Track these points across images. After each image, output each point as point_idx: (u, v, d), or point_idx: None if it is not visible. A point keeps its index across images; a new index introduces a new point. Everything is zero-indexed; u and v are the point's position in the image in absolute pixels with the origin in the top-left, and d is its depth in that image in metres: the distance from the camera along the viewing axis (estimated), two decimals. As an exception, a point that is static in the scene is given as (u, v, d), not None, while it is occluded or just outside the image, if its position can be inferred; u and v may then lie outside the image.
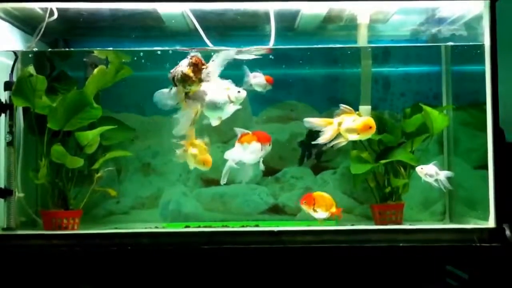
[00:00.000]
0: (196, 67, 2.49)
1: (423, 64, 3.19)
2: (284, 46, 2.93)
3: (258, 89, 2.76)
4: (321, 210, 2.61)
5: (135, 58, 2.87)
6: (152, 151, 3.13)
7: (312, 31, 3.11)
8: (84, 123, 2.70)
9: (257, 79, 2.71)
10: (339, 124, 2.60)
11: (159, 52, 2.91)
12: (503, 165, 2.52)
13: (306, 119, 2.66)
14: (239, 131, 2.58)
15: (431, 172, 2.64)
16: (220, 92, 2.50)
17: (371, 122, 2.60)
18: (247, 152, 2.55)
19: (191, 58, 2.50)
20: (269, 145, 2.57)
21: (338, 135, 2.61)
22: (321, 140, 2.61)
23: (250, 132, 2.58)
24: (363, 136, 2.61)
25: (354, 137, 2.59)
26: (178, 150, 2.59)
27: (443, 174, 2.65)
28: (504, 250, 2.44)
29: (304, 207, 2.63)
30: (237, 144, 2.58)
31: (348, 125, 2.59)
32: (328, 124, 2.62)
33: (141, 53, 2.92)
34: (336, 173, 3.14)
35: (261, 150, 2.55)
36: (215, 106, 2.51)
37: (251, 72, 2.71)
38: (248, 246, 2.45)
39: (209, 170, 3.05)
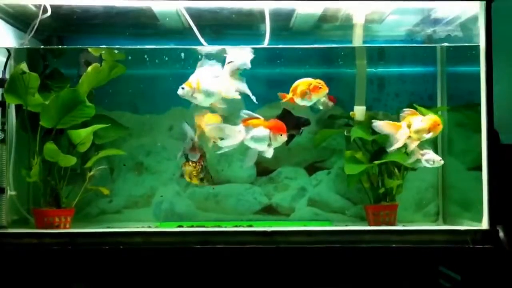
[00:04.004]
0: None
1: (418, 65, 3.19)
2: (279, 46, 2.92)
3: (320, 106, 2.88)
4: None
5: (129, 56, 2.85)
6: (145, 150, 3.11)
7: (308, 31, 3.10)
8: (77, 121, 2.69)
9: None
10: (409, 126, 2.60)
11: (154, 50, 2.90)
12: (497, 166, 2.51)
13: (375, 123, 2.63)
14: (245, 113, 2.49)
15: (432, 158, 2.66)
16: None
17: (438, 119, 2.61)
18: (244, 135, 2.43)
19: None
20: (281, 135, 2.47)
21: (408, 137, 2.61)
22: (395, 146, 2.60)
23: (261, 117, 2.48)
24: (435, 134, 2.61)
25: (426, 136, 2.59)
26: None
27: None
28: (497, 252, 2.44)
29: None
30: (240, 125, 2.48)
31: (418, 126, 2.59)
32: (397, 128, 2.62)
33: (135, 51, 2.91)
34: (331, 174, 3.13)
35: (270, 139, 2.45)
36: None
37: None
38: (241, 246, 2.44)
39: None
